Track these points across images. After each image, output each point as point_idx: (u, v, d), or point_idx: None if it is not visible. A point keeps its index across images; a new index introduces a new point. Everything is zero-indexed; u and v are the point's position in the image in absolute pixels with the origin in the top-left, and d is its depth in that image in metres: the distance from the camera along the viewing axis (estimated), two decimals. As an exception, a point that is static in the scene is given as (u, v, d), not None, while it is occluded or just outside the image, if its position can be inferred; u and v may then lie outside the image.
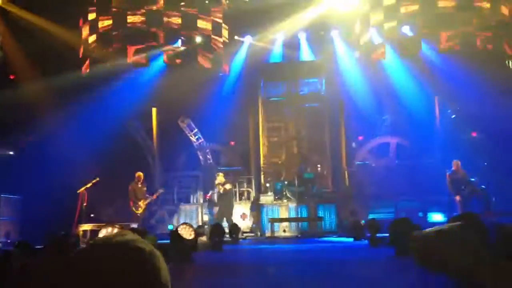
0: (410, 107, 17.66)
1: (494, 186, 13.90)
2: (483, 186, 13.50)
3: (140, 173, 14.37)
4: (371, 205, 15.10)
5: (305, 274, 5.39)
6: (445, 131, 16.90)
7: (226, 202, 14.45)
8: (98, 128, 16.04)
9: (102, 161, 15.88)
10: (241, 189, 16.45)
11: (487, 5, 14.89)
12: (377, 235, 9.25)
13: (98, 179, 14.10)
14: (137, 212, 13.96)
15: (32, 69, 16.56)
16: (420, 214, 14.76)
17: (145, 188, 14.28)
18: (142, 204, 13.97)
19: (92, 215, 15.33)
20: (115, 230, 6.18)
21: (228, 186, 14.63)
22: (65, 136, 16.15)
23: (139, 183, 14.18)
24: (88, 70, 16.00)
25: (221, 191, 14.49)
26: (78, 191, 13.70)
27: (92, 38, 15.95)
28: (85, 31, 16.18)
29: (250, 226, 15.43)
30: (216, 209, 14.99)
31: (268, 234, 14.54)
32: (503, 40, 15.22)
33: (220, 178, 14.81)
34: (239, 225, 13.61)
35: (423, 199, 15.01)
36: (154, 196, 14.48)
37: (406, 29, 15.66)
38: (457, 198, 13.36)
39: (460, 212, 12.91)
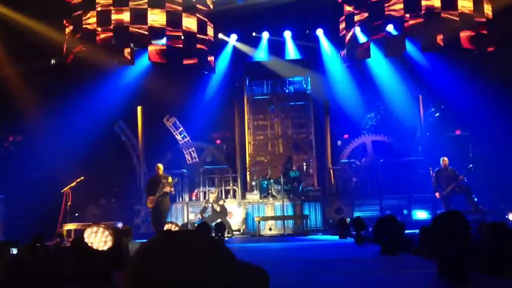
0: (395, 105, 17.81)
1: (477, 184, 14.05)
2: (464, 178, 13.60)
3: (158, 164, 13.03)
4: (356, 203, 15.17)
5: (292, 272, 5.41)
6: (429, 129, 17.05)
7: (222, 215, 14.37)
8: (83, 126, 15.94)
9: (86, 160, 15.78)
10: (227, 187, 16.43)
11: (470, 4, 15.05)
12: (363, 233, 9.30)
13: (82, 178, 14.00)
14: (149, 207, 12.90)
15: (15, 68, 16.40)
16: (405, 211, 14.87)
17: (165, 180, 12.64)
18: (153, 198, 12.54)
19: (76, 214, 15.22)
20: (100, 229, 6.17)
21: (221, 202, 14.52)
22: (50, 135, 16.03)
23: (157, 175, 12.80)
24: (71, 64, 15.88)
25: (218, 209, 14.36)
26: (62, 190, 13.59)
27: (76, 36, 15.84)
28: (69, 28, 16.07)
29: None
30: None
31: (252, 233, 14.56)
32: (486, 39, 15.40)
33: (213, 196, 14.57)
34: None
35: (408, 197, 15.13)
36: (171, 189, 13.11)
37: (391, 28, 15.75)
38: (437, 194, 13.49)
39: (443, 209, 13.05)
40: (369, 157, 17.56)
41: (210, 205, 14.53)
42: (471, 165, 13.75)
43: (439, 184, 13.50)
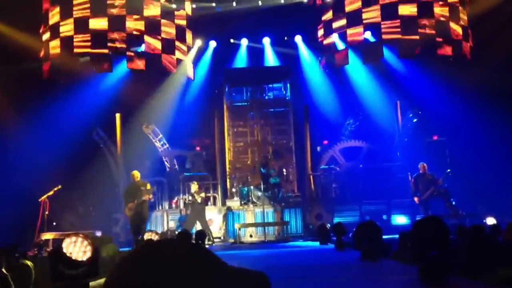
0: (373, 111, 17.96)
1: (454, 188, 14.22)
2: (443, 182, 13.72)
3: (134, 172, 12.90)
4: (336, 208, 15.23)
5: (273, 279, 5.39)
6: (407, 134, 17.23)
7: (200, 210, 14.26)
8: (60, 133, 15.73)
9: (64, 168, 15.57)
10: (207, 194, 16.37)
11: (446, 12, 15.26)
12: (343, 238, 9.33)
13: (60, 186, 13.81)
14: (127, 215, 12.67)
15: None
16: (384, 217, 14.96)
17: (143, 188, 12.41)
18: (132, 205, 12.32)
19: (54, 223, 15.00)
20: (79, 239, 6.03)
21: (203, 194, 14.46)
22: (27, 143, 15.78)
23: (134, 182, 12.65)
24: (49, 75, 15.67)
25: (199, 200, 14.25)
26: (39, 199, 13.38)
27: (54, 43, 15.66)
28: (46, 35, 15.88)
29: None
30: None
31: (232, 240, 14.51)
32: (462, 46, 15.62)
33: (194, 186, 14.54)
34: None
35: (387, 202, 15.23)
36: (149, 197, 12.83)
37: (368, 35, 15.89)
38: (416, 199, 13.60)
39: (422, 214, 13.17)
40: (343, 166, 17.60)
41: (191, 196, 14.43)
42: (449, 170, 13.91)
43: (417, 189, 13.60)
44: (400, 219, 14.90)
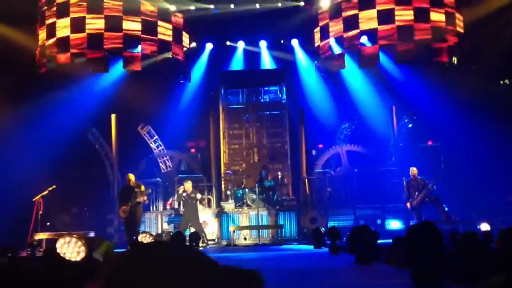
0: (369, 116, 18.00)
1: (448, 194, 14.26)
2: (433, 187, 13.71)
3: (129, 174, 13.14)
4: (330, 212, 15.25)
5: (267, 283, 5.39)
6: (402, 139, 17.27)
7: (193, 210, 14.20)
8: (55, 134, 15.70)
9: (59, 168, 15.52)
10: (203, 196, 16.35)
11: (442, 18, 15.34)
12: (337, 242, 9.33)
13: (54, 186, 13.78)
14: (121, 216, 12.83)
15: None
16: (379, 221, 14.98)
17: (137, 190, 12.62)
18: (126, 207, 12.52)
19: (48, 224, 14.95)
20: (73, 240, 6.01)
21: (198, 195, 14.40)
22: (21, 142, 15.74)
23: (129, 184, 12.84)
24: (44, 75, 15.66)
25: (194, 201, 14.17)
26: (34, 199, 13.34)
27: (50, 43, 15.65)
28: (43, 36, 15.87)
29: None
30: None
31: (226, 242, 14.50)
32: (456, 51, 15.71)
33: (187, 185, 14.44)
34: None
35: (381, 207, 15.25)
36: (144, 199, 13.00)
37: (365, 40, 15.95)
38: (408, 205, 13.62)
39: (415, 219, 13.21)
40: (344, 167, 17.68)
41: (185, 193, 14.31)
42: (438, 175, 13.93)
43: (410, 194, 13.63)
44: (395, 224, 14.93)
